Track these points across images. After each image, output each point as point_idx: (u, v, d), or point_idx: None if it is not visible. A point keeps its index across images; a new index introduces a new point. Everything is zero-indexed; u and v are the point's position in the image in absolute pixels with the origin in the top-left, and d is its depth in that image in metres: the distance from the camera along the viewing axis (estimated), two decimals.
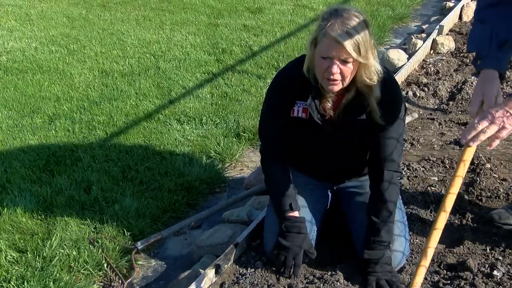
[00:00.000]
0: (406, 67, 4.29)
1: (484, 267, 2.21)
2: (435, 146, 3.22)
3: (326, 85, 1.99)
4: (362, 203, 2.30)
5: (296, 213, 2.25)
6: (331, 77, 1.93)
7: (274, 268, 2.26)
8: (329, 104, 2.11)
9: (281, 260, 2.22)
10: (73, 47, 5.16)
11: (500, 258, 2.26)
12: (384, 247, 2.17)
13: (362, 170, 2.35)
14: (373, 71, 1.96)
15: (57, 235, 2.57)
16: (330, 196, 2.46)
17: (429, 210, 2.61)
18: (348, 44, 1.85)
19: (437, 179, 2.86)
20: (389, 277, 2.14)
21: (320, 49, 1.92)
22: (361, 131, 2.16)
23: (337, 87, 1.98)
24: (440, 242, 2.39)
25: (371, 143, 2.20)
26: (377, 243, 2.17)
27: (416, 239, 2.43)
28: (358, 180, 2.41)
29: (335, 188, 2.45)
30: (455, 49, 4.79)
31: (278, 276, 2.24)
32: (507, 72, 4.16)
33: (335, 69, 1.91)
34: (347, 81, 1.97)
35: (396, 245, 2.22)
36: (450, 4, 5.97)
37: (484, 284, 2.10)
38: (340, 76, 1.94)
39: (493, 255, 2.29)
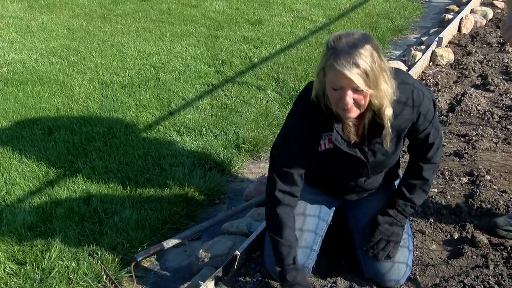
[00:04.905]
0: None
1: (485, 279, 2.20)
2: None
3: (342, 114, 1.92)
4: (369, 216, 2.29)
5: (297, 266, 2.16)
6: (346, 107, 1.86)
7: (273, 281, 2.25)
8: (352, 129, 2.03)
9: None
10: (73, 59, 5.18)
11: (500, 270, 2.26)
12: (410, 206, 2.26)
13: (382, 182, 2.34)
14: (383, 96, 1.86)
15: (56, 247, 2.56)
16: (334, 209, 2.42)
17: (429, 222, 2.61)
18: (355, 76, 1.76)
19: (436, 190, 2.86)
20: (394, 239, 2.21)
21: (329, 80, 1.84)
22: (386, 149, 2.09)
23: (354, 113, 1.90)
24: (440, 254, 2.41)
25: (409, 148, 2.26)
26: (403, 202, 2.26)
27: (416, 251, 2.42)
28: (368, 193, 2.37)
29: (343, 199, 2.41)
30: (454, 61, 4.81)
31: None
32: (506, 85, 4.18)
33: (348, 99, 1.83)
34: (364, 106, 1.88)
35: (399, 256, 2.21)
36: (449, 16, 6.00)
37: None
38: (355, 104, 1.85)
39: (493, 267, 2.28)
